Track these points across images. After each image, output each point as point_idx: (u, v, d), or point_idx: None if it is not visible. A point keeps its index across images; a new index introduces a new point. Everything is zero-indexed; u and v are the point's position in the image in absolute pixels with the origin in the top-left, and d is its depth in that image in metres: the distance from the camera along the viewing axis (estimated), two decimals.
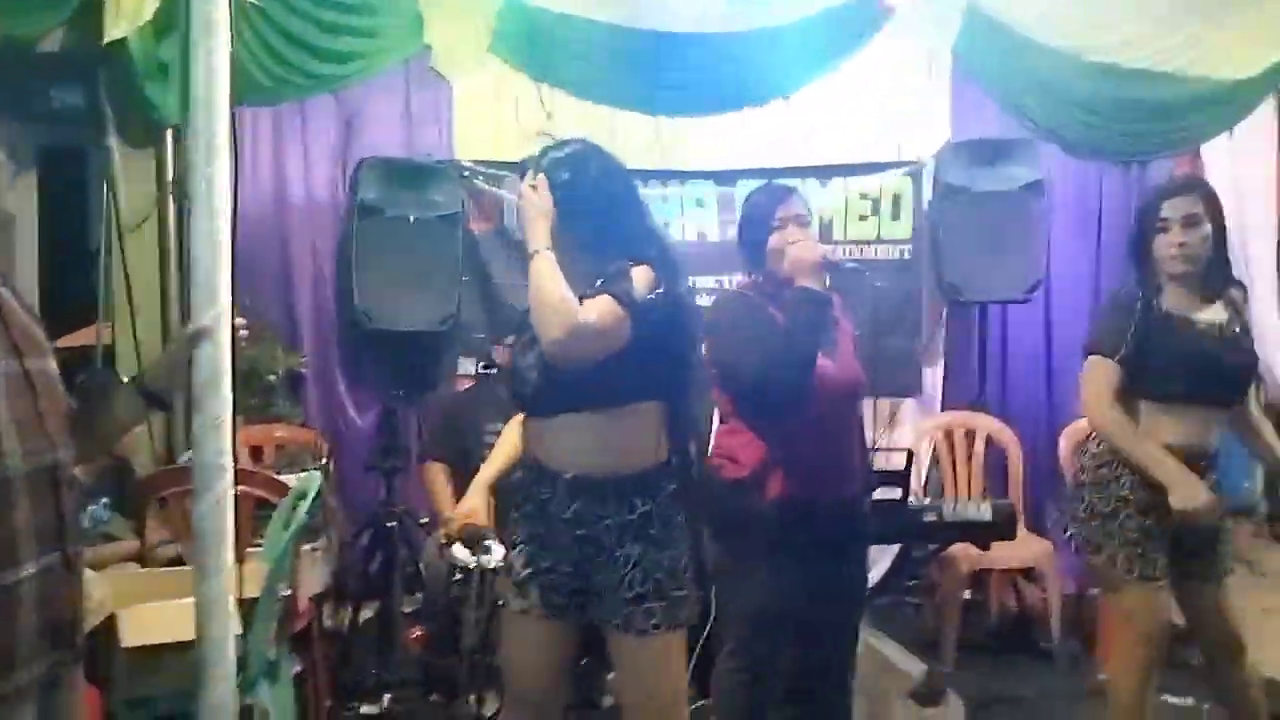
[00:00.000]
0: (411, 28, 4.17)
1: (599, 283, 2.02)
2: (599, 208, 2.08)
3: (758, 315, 2.48)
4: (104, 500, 3.26)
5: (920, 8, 4.51)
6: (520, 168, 2.19)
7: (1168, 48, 4.58)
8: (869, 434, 2.67)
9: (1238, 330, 2.57)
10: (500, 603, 2.16)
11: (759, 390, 2.38)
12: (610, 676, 3.29)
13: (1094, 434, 2.61)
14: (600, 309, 1.97)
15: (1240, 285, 3.46)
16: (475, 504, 2.07)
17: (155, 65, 3.72)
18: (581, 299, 1.98)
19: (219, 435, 1.75)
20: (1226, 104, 4.61)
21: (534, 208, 2.06)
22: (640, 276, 2.01)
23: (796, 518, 2.41)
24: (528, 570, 2.11)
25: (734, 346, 2.45)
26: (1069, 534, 2.66)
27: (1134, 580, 2.51)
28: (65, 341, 3.58)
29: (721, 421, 2.62)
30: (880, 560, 4.48)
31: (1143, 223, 2.57)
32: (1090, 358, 2.57)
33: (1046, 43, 4.56)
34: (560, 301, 1.95)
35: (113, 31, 3.56)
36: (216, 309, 1.73)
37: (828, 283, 2.45)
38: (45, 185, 3.99)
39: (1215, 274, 2.56)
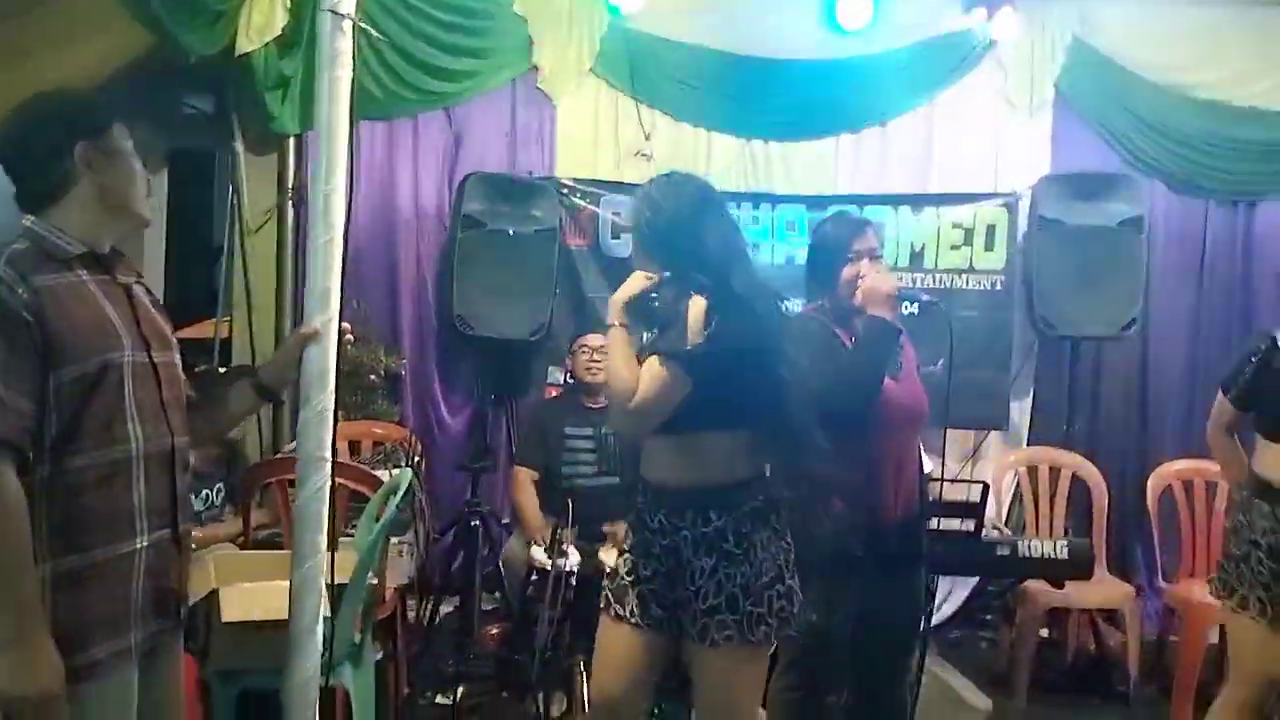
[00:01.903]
0: (521, 49, 4.35)
1: (652, 338, 2.10)
2: (661, 245, 2.14)
3: (825, 338, 2.52)
4: (219, 486, 3.49)
5: (1023, 41, 4.49)
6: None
7: (1278, 85, 4.47)
8: (951, 466, 2.67)
9: None
10: (603, 606, 2.23)
11: (823, 412, 2.42)
12: None
13: (1230, 484, 2.71)
14: (648, 383, 2.03)
15: None
16: None
17: (277, 78, 3.95)
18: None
19: (322, 429, 1.89)
20: None
21: (623, 285, 2.16)
22: (694, 315, 2.04)
23: (852, 537, 2.43)
24: (630, 577, 2.19)
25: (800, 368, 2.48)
26: (1209, 578, 2.73)
27: (1261, 622, 2.53)
28: (185, 333, 3.81)
29: None
30: (955, 593, 4.46)
31: None
32: (1219, 393, 2.74)
33: (1154, 78, 4.50)
34: (620, 383, 2.07)
35: (244, 45, 3.80)
36: (327, 314, 1.88)
37: (900, 311, 2.48)
38: (173, 185, 4.28)
39: None
